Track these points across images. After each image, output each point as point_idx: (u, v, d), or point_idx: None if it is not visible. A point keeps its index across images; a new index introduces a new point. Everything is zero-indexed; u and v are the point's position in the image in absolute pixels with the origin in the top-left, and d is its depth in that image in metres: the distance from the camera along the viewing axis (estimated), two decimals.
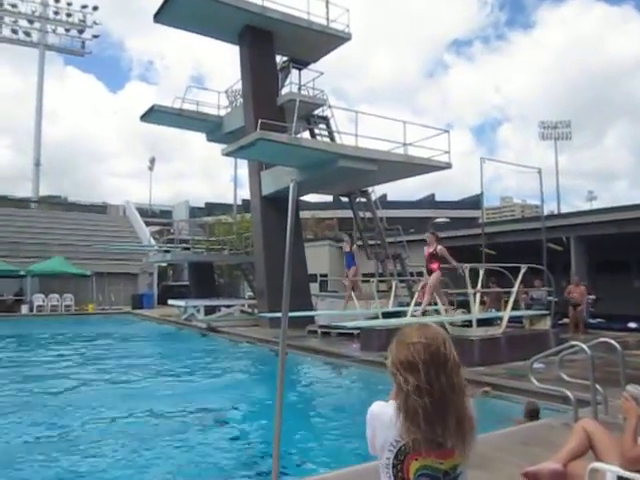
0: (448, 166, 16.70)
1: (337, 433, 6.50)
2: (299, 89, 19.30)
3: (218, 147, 17.50)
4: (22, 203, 41.65)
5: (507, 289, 12.08)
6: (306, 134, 18.50)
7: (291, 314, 4.01)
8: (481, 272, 11.68)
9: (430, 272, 11.09)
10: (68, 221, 35.30)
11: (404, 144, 16.20)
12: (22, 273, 26.76)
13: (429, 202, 59.17)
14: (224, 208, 44.93)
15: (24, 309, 26.75)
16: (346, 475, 4.44)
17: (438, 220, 42.13)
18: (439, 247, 10.99)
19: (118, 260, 31.29)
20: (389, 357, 1.77)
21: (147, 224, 37.14)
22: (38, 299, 27.54)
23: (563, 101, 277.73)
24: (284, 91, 19.27)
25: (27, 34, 44.78)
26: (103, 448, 5.74)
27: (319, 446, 6.05)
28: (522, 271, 11.36)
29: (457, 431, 1.68)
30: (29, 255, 28.33)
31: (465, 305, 12.81)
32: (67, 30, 46.21)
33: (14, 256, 27.96)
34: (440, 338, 1.74)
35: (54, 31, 45.82)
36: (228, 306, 21.89)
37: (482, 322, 11.60)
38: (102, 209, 41.65)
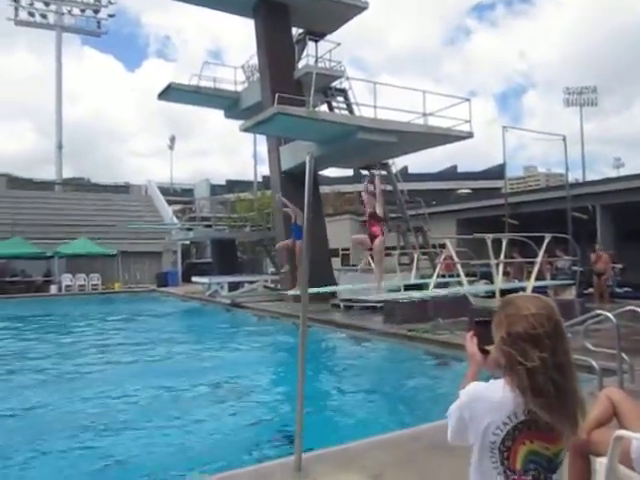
0: (469, 135, 16.41)
1: (360, 404, 6.56)
2: (316, 61, 19.02)
3: (237, 124, 17.42)
4: (47, 186, 42.29)
5: (531, 259, 11.94)
6: (324, 107, 18.30)
7: (311, 290, 4.02)
8: (504, 242, 11.53)
9: (372, 237, 9.26)
10: (92, 202, 35.78)
11: (424, 114, 15.93)
12: (49, 254, 27.33)
13: (451, 173, 58.45)
14: (245, 185, 45.02)
15: (53, 289, 27.39)
16: (369, 444, 4.49)
17: (460, 191, 41.67)
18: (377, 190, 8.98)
19: (142, 239, 31.69)
20: (501, 329, 1.63)
21: (169, 203, 37.44)
22: (66, 279, 28.13)
23: (590, 65, 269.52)
24: (301, 64, 19.03)
25: (43, 16, 44.92)
26: (127, 423, 5.89)
27: (343, 417, 6.11)
28: (546, 241, 11.19)
29: (572, 412, 1.59)
30: (55, 237, 28.82)
31: (488, 276, 12.72)
32: (82, 11, 46.24)
33: (41, 238, 28.49)
34: (556, 309, 1.63)
35: (70, 12, 45.90)
36: (251, 282, 22.09)
37: (505, 293, 11.51)
38: (125, 189, 42.10)
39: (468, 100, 16.32)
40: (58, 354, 10.73)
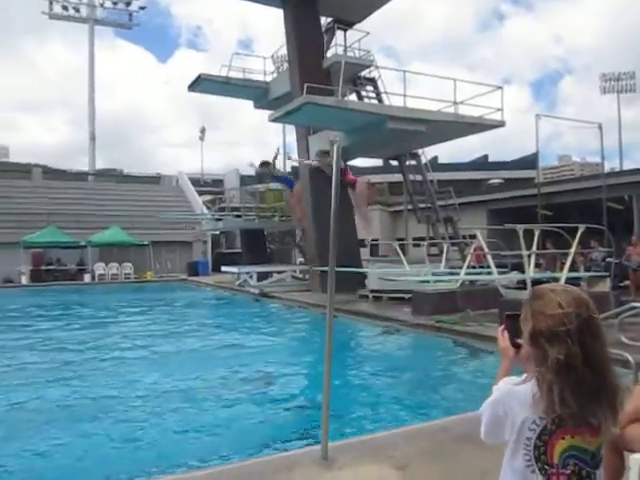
0: (501, 124, 16.10)
1: (387, 395, 6.54)
2: (345, 51, 18.87)
3: (267, 114, 17.44)
4: (80, 177, 43.19)
5: (564, 250, 11.68)
6: (353, 96, 18.18)
7: (339, 269, 4.00)
8: (536, 233, 11.31)
9: (352, 185, 9.10)
10: (124, 193, 36.42)
11: (455, 103, 15.69)
12: (83, 244, 27.97)
13: (482, 163, 57.46)
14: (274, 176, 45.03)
15: (87, 278, 28.05)
16: (396, 435, 4.47)
17: (491, 181, 40.99)
18: None
19: (173, 229, 32.17)
20: (527, 325, 1.59)
21: (199, 193, 37.85)
22: (99, 268, 28.78)
23: (628, 50, 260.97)
24: (329, 53, 18.90)
25: (76, 10, 45.65)
26: (154, 410, 5.97)
27: (369, 407, 6.10)
28: (580, 231, 10.93)
29: (609, 406, 1.54)
30: (89, 226, 29.46)
31: (519, 268, 12.50)
32: (114, 3, 46.81)
33: (75, 228, 29.16)
34: (588, 302, 1.56)
35: (102, 5, 46.53)
36: (280, 272, 22.19)
37: (537, 285, 11.30)
38: (156, 180, 42.69)
39: (500, 88, 16.01)
40: (94, 341, 10.97)
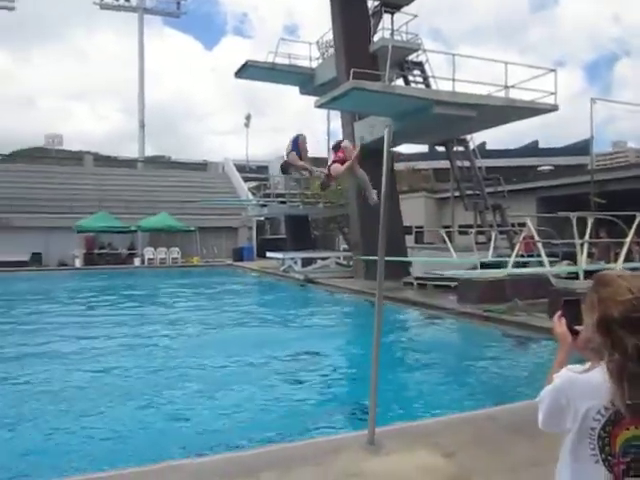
0: (554, 108, 15.54)
1: (433, 383, 6.48)
2: (392, 34, 18.56)
3: (312, 100, 17.40)
4: (130, 163, 44.32)
5: (619, 239, 11.25)
6: (400, 81, 17.90)
7: (386, 258, 3.96)
8: (590, 221, 10.92)
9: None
10: (172, 179, 37.19)
11: (505, 87, 15.23)
12: (133, 229, 28.78)
13: (532, 149, 55.79)
14: (319, 162, 45.10)
15: (136, 262, 28.90)
16: (443, 422, 4.43)
17: (541, 168, 39.79)
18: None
19: (219, 215, 32.68)
20: (593, 313, 1.54)
21: (245, 180, 38.25)
22: (148, 252, 29.59)
23: None
24: (376, 37, 18.63)
25: None
26: (202, 392, 6.08)
27: (415, 395, 6.07)
28: (637, 220, 10.49)
29: None
30: (138, 212, 30.27)
31: (570, 257, 12.12)
32: None
33: (125, 213, 30.02)
34: None
35: None
36: (324, 258, 22.25)
37: (589, 275, 10.92)
38: (203, 166, 43.33)
39: (554, 70, 15.44)
40: (144, 321, 11.33)
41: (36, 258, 27.78)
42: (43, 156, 45.21)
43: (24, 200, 29.34)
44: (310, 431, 4.67)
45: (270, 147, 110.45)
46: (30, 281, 21.28)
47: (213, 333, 9.97)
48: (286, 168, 8.45)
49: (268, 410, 5.37)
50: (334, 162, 7.77)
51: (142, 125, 46.58)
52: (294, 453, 3.71)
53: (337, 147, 8.19)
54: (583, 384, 1.53)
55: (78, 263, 27.83)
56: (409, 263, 15.89)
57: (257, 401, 5.67)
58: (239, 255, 30.49)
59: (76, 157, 44.04)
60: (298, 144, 8.11)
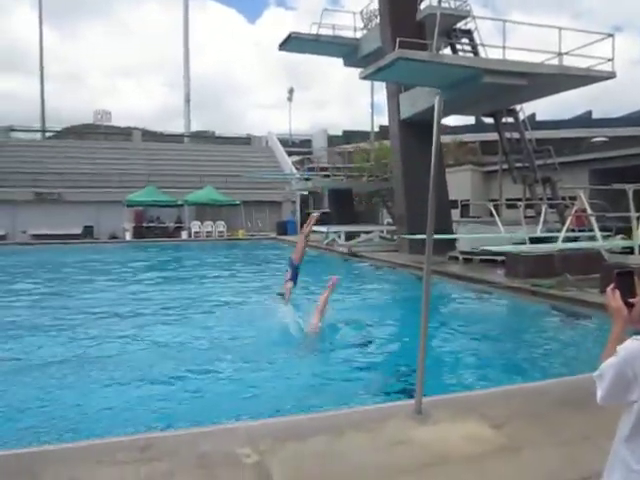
0: (611, 76, 14.82)
1: (481, 356, 6.45)
2: (439, 1, 18.02)
3: (356, 73, 17.15)
4: (176, 138, 45.01)
5: None
6: (447, 50, 17.42)
7: (435, 236, 3.93)
8: None
9: None
10: (217, 154, 37.64)
11: (559, 54, 14.61)
12: (180, 203, 29.40)
13: (585, 120, 53.60)
14: (361, 135, 44.70)
15: (183, 235, 29.60)
16: (491, 394, 4.42)
17: (594, 140, 38.24)
18: None
19: (263, 189, 32.97)
20: None
21: (288, 154, 38.33)
22: (195, 226, 30.24)
23: None
24: (423, 5, 18.11)
25: None
26: (253, 360, 6.20)
27: (463, 367, 6.06)
28: None
29: None
30: (185, 186, 30.85)
31: (624, 232, 11.71)
32: None
33: (172, 187, 30.65)
34: None
35: None
36: (368, 232, 22.20)
37: None
38: (247, 141, 43.61)
39: (611, 36, 14.69)
40: (190, 293, 11.64)
41: (88, 231, 28.84)
42: (92, 132, 46.44)
43: (75, 175, 30.34)
44: (359, 399, 4.74)
45: (312, 120, 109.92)
46: (85, 252, 22.15)
47: (247, 304, 10.13)
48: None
49: (317, 379, 5.46)
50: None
51: (187, 100, 47.12)
52: (343, 420, 3.79)
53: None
54: None
55: (128, 236, 28.73)
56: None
57: (303, 371, 5.77)
58: (283, 229, 30.76)
59: (125, 133, 45.04)
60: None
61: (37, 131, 41.90)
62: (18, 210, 28.22)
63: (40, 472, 2.98)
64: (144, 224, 29.92)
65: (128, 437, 3.59)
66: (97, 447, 3.38)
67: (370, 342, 7.12)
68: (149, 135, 44.76)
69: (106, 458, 3.13)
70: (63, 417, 4.50)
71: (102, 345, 6.92)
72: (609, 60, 14.54)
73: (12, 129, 39.25)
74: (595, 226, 10.93)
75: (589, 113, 57.98)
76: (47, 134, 42.97)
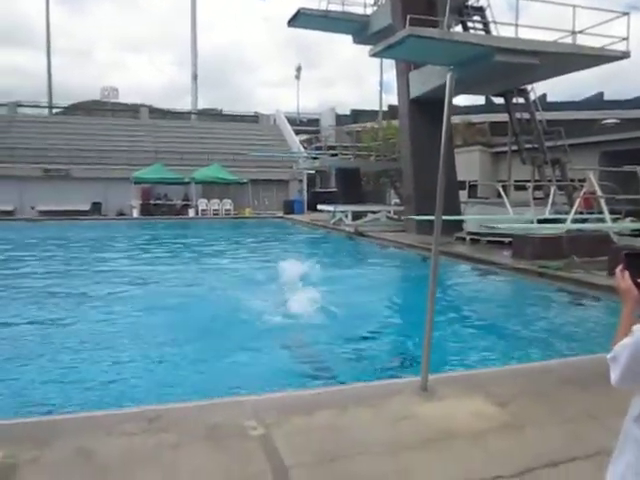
0: (625, 55, 14.56)
1: (486, 335, 6.47)
2: None
3: (365, 51, 16.93)
4: (183, 116, 44.78)
5: None
6: (458, 28, 17.14)
7: (443, 217, 3.91)
8: None
9: None
10: (225, 131, 37.45)
11: (572, 32, 14.36)
12: (187, 180, 29.37)
13: (596, 101, 52.87)
14: (370, 114, 44.34)
15: (191, 212, 29.65)
16: (496, 373, 4.45)
17: (605, 121, 37.78)
18: None
19: (270, 167, 32.86)
20: None
21: (296, 132, 38.09)
22: (202, 204, 30.26)
23: None
24: None
25: None
26: (264, 336, 6.25)
27: (468, 346, 6.08)
28: None
29: None
30: (192, 163, 30.80)
31: (634, 214, 11.62)
32: None
33: (179, 165, 30.61)
34: None
35: None
36: (375, 212, 22.15)
37: None
38: (254, 119, 43.33)
39: (626, 14, 14.41)
40: (206, 267, 11.72)
41: (96, 207, 28.92)
42: (100, 109, 46.29)
43: (83, 152, 30.30)
44: (364, 376, 4.78)
45: (321, 99, 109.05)
46: (95, 229, 22.28)
47: (254, 281, 10.15)
48: None
49: (324, 355, 5.51)
50: None
51: (195, 77, 46.74)
52: (349, 395, 3.83)
53: None
54: None
55: (135, 213, 28.79)
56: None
57: (317, 346, 5.81)
58: (290, 208, 30.74)
59: (132, 110, 44.84)
60: None
61: (44, 107, 41.78)
62: (26, 186, 28.28)
63: (50, 441, 3.03)
64: (151, 201, 29.96)
65: (136, 408, 3.64)
66: (106, 418, 3.43)
67: (376, 320, 7.15)
68: (156, 112, 44.53)
69: (115, 429, 3.17)
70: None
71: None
72: (624, 39, 14.28)
73: (19, 105, 39.15)
74: (604, 208, 10.84)
75: (601, 95, 57.18)
76: (54, 110, 42.85)
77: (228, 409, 3.53)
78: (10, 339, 6.06)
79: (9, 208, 27.83)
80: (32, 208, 27.88)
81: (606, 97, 57.00)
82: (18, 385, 4.68)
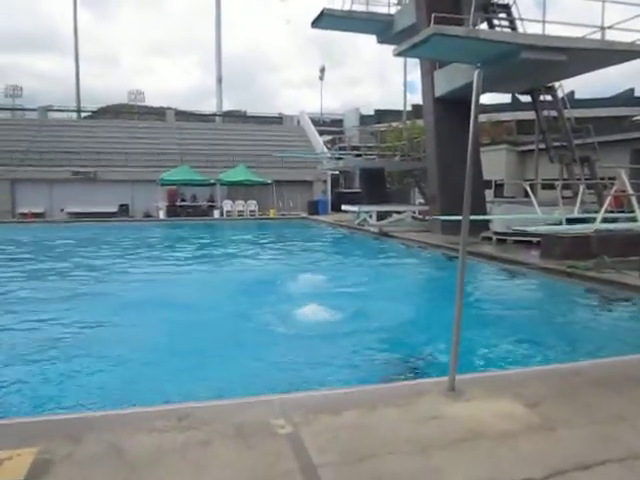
0: None
1: (514, 336, 6.39)
2: None
3: (389, 52, 16.87)
4: (209, 118, 45.24)
5: None
6: (484, 25, 16.97)
7: (470, 217, 3.88)
8: None
9: None
10: (249, 133, 37.75)
11: (601, 27, 14.09)
12: (212, 182, 29.67)
13: (626, 98, 51.72)
14: (393, 115, 44.17)
15: (216, 214, 29.95)
16: (526, 373, 4.39)
17: (636, 118, 36.97)
18: None
19: (295, 168, 32.99)
20: None
21: (320, 133, 38.16)
22: (227, 205, 30.54)
23: None
24: None
25: None
26: (290, 337, 6.32)
27: (496, 347, 6.01)
28: None
29: None
30: (217, 165, 31.11)
31: None
32: None
33: (204, 166, 30.94)
34: None
35: None
36: (399, 212, 22.05)
37: None
38: (278, 120, 43.56)
39: None
40: (226, 268, 11.84)
41: (124, 209, 29.41)
42: (127, 112, 47.07)
43: (110, 154, 30.86)
44: (390, 376, 4.77)
45: (345, 100, 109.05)
46: (123, 229, 22.69)
47: (283, 280, 10.20)
48: None
49: (352, 356, 5.51)
50: None
51: (219, 79, 47.26)
52: (377, 394, 3.82)
53: None
54: None
55: (162, 215, 29.19)
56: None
57: (341, 347, 5.82)
58: (314, 208, 30.80)
59: (158, 113, 45.49)
60: None
61: (73, 111, 42.68)
62: (56, 188, 28.95)
63: (82, 437, 3.09)
64: (177, 203, 30.34)
65: (167, 406, 3.70)
66: (137, 415, 3.49)
67: (403, 320, 7.11)
68: (182, 115, 45.11)
69: (145, 426, 3.23)
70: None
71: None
72: None
73: (49, 109, 40.05)
74: (636, 206, 10.61)
75: (631, 91, 55.86)
76: (82, 114, 43.74)
77: (257, 408, 3.56)
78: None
79: (40, 210, 28.51)
80: (61, 210, 28.50)
81: (637, 93, 55.67)
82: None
